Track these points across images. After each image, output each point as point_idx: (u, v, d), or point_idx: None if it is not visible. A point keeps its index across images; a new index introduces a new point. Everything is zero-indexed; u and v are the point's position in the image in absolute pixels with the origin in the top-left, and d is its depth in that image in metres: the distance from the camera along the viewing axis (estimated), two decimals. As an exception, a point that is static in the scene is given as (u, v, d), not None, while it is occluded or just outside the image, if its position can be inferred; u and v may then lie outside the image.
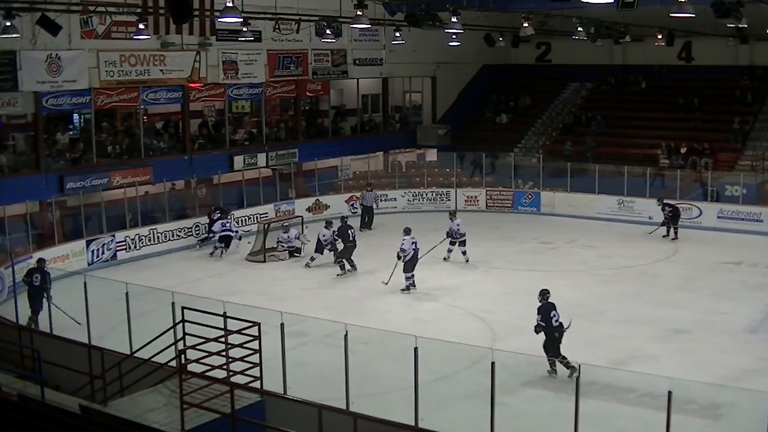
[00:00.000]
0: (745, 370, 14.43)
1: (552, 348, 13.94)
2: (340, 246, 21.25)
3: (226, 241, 23.16)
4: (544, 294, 14.45)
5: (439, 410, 11.93)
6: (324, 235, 21.55)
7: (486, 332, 16.72)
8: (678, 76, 32.63)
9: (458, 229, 21.98)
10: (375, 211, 26.98)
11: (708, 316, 17.54)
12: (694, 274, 21.06)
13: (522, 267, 21.88)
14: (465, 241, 22.08)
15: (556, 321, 14.10)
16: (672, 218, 24.70)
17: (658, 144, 29.59)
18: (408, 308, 18.40)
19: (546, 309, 14.19)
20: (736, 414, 12.45)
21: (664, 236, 24.79)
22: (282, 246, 23.12)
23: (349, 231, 21.23)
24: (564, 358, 13.66)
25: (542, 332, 14.12)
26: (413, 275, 19.38)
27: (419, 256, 19.61)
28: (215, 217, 23.68)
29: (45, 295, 16.29)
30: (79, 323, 14.65)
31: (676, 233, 24.68)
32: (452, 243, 22.09)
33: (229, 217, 24.07)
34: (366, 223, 26.46)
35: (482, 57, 33.80)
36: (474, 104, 35.22)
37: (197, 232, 24.32)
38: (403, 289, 19.32)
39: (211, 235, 23.70)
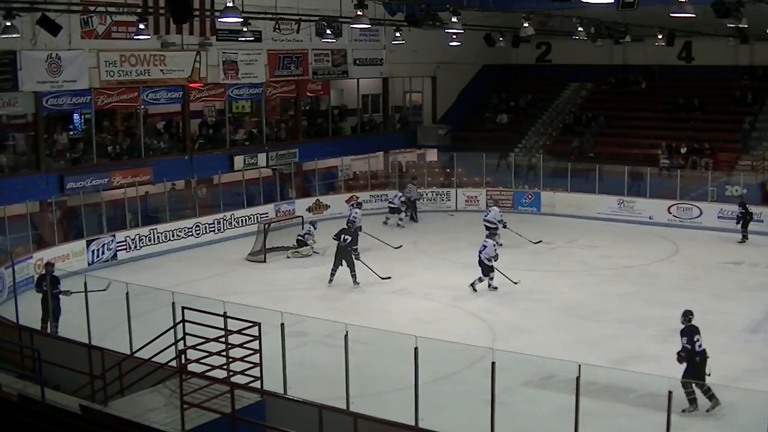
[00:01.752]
0: (746, 370, 14.44)
1: (697, 375, 12.39)
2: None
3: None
4: (687, 315, 12.93)
5: (440, 410, 11.93)
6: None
7: (486, 332, 16.72)
8: (678, 76, 32.63)
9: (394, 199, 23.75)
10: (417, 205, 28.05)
11: (708, 316, 17.43)
12: (694, 274, 21.06)
13: (522, 267, 21.82)
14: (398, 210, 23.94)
15: (700, 346, 12.65)
16: (743, 220, 24.32)
17: (658, 144, 29.58)
18: (408, 308, 18.40)
19: (690, 332, 12.72)
20: (736, 414, 12.46)
21: (738, 242, 24.35)
22: (310, 240, 23.28)
23: (342, 235, 20.30)
24: (708, 389, 12.39)
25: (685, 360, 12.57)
26: (482, 278, 19.27)
27: (485, 260, 19.15)
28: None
29: (58, 299, 16.08)
30: (104, 289, 14.74)
31: (744, 237, 24.39)
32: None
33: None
34: (413, 216, 27.47)
35: (482, 57, 33.79)
36: (474, 104, 35.23)
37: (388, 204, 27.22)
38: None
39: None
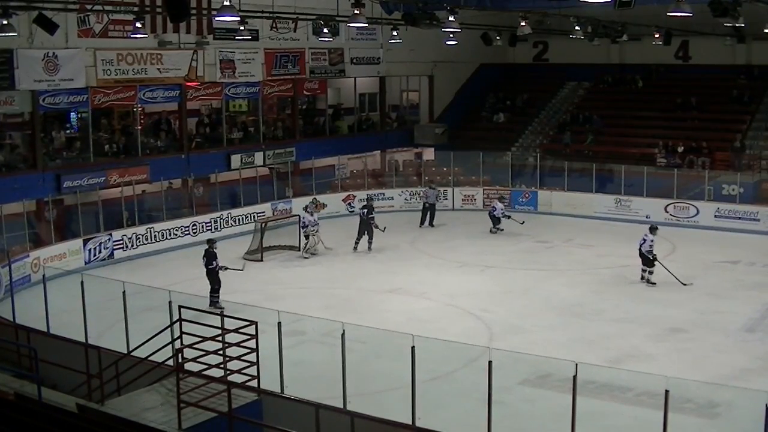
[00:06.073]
0: (742, 369, 14.46)
1: None
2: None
3: None
4: None
5: (437, 409, 11.94)
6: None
7: (483, 331, 16.72)
8: (675, 75, 32.68)
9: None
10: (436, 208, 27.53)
11: (705, 315, 17.57)
12: (691, 273, 21.03)
13: (519, 266, 21.89)
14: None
15: None
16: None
17: (655, 143, 29.62)
18: (405, 307, 18.39)
19: None
20: (733, 413, 12.47)
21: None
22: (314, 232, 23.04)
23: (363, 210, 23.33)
24: None
25: None
26: (644, 269, 19.89)
27: (645, 252, 19.79)
28: None
29: (216, 273, 17.80)
30: (241, 269, 19.14)
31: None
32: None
33: None
34: (428, 221, 26.97)
35: (479, 56, 33.79)
36: (471, 103, 35.22)
37: None
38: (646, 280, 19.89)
39: None
